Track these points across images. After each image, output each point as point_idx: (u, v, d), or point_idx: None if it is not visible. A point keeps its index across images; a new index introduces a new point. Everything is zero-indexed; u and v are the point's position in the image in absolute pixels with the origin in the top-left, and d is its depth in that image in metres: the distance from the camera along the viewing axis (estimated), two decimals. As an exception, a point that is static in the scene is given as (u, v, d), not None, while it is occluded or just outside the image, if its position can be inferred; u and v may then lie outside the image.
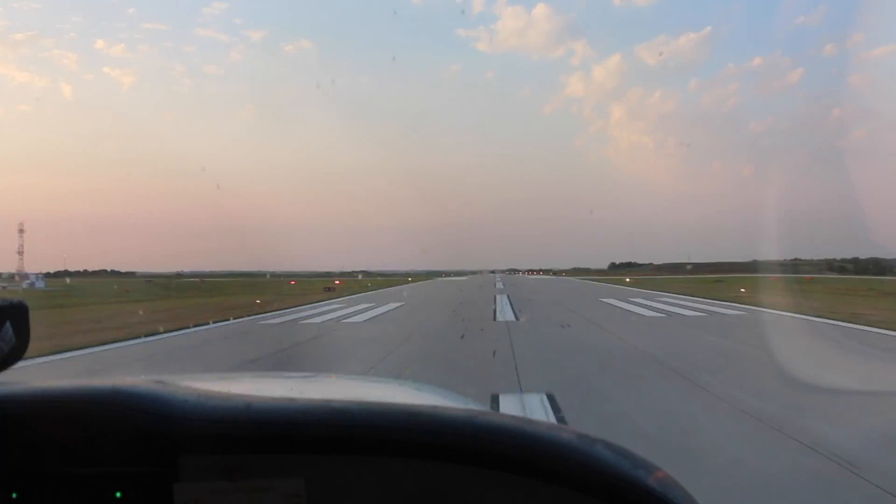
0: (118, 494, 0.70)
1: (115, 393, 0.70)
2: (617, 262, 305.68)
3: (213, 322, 16.67)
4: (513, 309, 21.09)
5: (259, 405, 0.69)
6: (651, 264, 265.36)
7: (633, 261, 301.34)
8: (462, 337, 12.92)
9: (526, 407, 6.30)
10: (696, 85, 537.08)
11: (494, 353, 10.04)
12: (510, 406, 6.34)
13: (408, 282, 67.03)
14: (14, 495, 0.71)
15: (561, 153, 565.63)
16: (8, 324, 0.84)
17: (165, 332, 14.22)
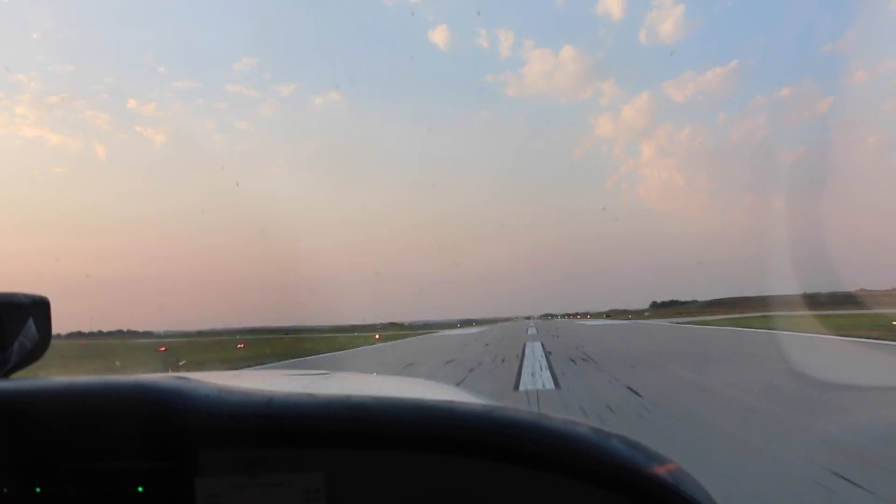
0: (140, 489, 0.69)
1: (137, 387, 0.69)
2: (658, 301, 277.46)
3: None
4: None
5: (280, 400, 0.68)
6: (695, 301, 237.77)
7: (675, 298, 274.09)
8: None
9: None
10: (725, 119, 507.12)
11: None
12: None
13: (373, 340, 43.10)
14: (38, 490, 0.69)
15: (592, 195, 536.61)
16: (31, 320, 0.83)
17: None
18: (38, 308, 0.84)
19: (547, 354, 19.03)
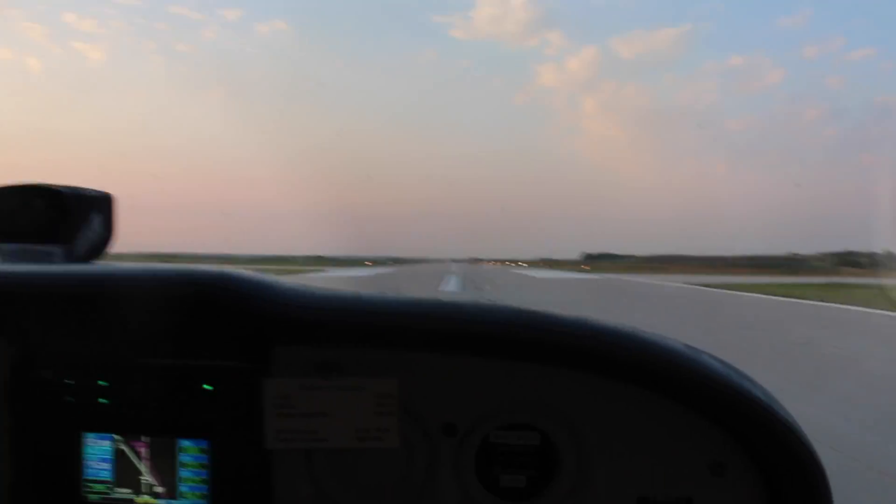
0: (207, 387, 0.66)
1: (220, 275, 0.67)
2: (593, 254, 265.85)
3: None
4: None
5: (368, 296, 0.66)
6: (633, 256, 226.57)
7: (607, 251, 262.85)
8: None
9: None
10: (671, 81, 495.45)
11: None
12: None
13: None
14: (102, 383, 0.66)
15: (531, 143, 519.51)
16: (96, 212, 0.84)
17: None
18: (103, 202, 0.85)
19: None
